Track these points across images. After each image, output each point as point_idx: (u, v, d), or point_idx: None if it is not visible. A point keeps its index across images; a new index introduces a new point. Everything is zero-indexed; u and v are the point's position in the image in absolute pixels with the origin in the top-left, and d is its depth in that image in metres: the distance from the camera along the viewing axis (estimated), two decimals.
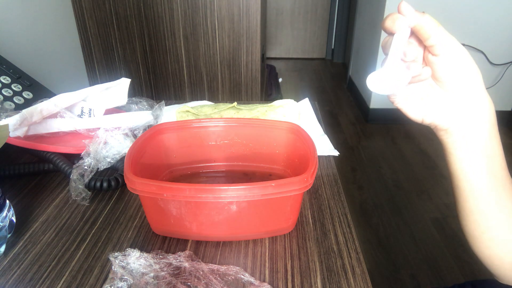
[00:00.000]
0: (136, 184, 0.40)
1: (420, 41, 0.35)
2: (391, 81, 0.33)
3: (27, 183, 0.56)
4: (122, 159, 0.56)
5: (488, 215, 0.40)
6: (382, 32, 2.23)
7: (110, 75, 1.31)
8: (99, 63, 1.29)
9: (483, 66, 2.21)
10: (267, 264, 0.41)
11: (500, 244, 0.41)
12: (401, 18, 0.32)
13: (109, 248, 0.43)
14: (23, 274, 0.40)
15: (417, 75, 0.34)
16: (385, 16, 0.34)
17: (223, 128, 0.55)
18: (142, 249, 0.42)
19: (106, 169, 0.56)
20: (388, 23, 0.33)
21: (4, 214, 0.42)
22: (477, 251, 0.43)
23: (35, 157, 0.61)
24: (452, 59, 0.34)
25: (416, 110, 0.39)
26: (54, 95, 0.67)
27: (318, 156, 0.62)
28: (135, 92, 1.33)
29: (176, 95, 1.33)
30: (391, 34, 0.34)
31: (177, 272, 0.39)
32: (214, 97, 1.32)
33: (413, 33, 0.34)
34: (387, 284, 1.29)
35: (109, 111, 0.68)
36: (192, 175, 0.56)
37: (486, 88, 0.36)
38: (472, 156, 0.37)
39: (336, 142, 2.00)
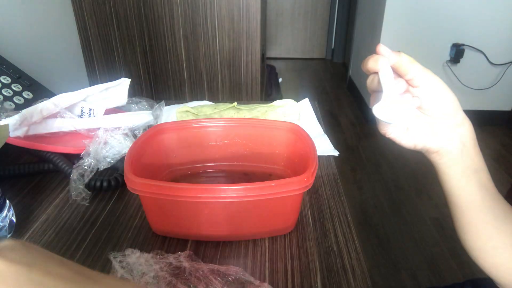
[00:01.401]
0: (136, 184, 0.40)
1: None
2: (398, 109, 0.37)
3: (27, 183, 0.56)
4: (122, 159, 0.56)
5: (487, 224, 0.42)
6: (382, 32, 2.23)
7: (110, 75, 1.31)
8: (99, 63, 1.29)
9: (483, 66, 2.21)
10: (267, 264, 0.41)
11: (504, 252, 0.43)
12: (382, 57, 0.37)
13: (109, 248, 0.43)
14: None
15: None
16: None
17: (223, 128, 0.55)
18: (142, 249, 0.41)
19: (106, 169, 0.56)
20: (371, 63, 0.37)
21: (4, 214, 0.42)
22: (481, 262, 0.45)
23: (35, 157, 0.61)
24: (429, 88, 0.38)
25: (407, 138, 0.42)
26: (54, 95, 0.67)
27: (318, 156, 0.62)
28: (135, 92, 1.33)
29: (176, 95, 1.33)
30: (374, 72, 0.38)
31: (177, 272, 0.39)
32: (214, 97, 1.32)
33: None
34: (387, 284, 1.29)
35: (109, 111, 0.68)
36: (192, 175, 0.56)
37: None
38: (464, 172, 0.41)
39: (336, 142, 1.99)
